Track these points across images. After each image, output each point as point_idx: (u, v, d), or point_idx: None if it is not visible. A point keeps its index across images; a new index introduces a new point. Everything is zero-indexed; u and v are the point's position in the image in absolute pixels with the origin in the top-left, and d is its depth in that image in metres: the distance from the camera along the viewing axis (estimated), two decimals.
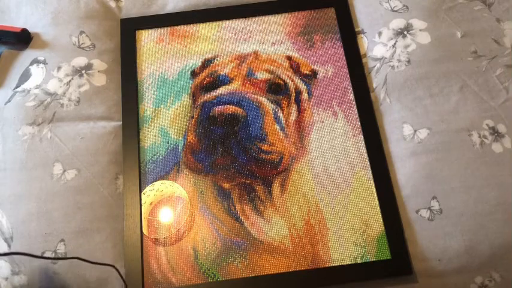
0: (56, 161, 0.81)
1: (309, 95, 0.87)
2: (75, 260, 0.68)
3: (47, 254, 0.75)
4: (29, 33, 0.93)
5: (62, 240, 0.76)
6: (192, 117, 0.86)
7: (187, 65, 0.91)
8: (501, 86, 0.84)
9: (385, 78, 0.87)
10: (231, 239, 0.77)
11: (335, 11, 0.95)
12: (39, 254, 0.75)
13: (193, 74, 0.90)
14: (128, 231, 0.77)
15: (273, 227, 0.77)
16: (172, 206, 0.80)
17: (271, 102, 0.86)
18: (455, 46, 0.88)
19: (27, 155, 0.82)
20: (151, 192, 0.81)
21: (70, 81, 0.88)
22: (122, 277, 0.71)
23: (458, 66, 0.86)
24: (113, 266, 0.71)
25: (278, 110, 0.85)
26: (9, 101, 0.87)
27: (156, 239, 0.78)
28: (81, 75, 0.89)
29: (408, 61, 0.87)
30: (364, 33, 0.93)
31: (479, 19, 0.90)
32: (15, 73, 0.90)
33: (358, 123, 0.84)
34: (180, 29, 0.95)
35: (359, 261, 0.75)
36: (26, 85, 0.88)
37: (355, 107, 0.85)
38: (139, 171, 0.82)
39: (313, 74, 0.89)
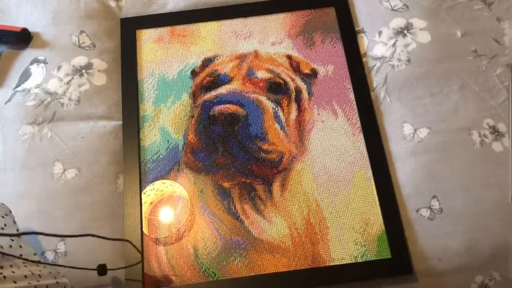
0: (56, 160, 0.82)
1: (309, 94, 0.87)
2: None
3: (48, 253, 0.75)
4: (29, 32, 0.93)
5: (63, 239, 0.76)
6: (192, 116, 0.86)
7: (188, 65, 0.91)
8: (501, 85, 0.84)
9: (385, 77, 0.87)
10: (231, 238, 0.77)
11: (335, 10, 0.95)
12: (39, 254, 0.75)
13: (194, 74, 0.90)
14: (129, 230, 0.77)
15: (273, 226, 0.77)
16: (173, 205, 0.80)
17: (272, 102, 0.86)
18: (456, 45, 0.88)
19: (27, 154, 0.82)
20: (152, 191, 0.81)
21: (70, 80, 0.88)
22: (138, 249, 0.70)
23: (459, 65, 0.86)
24: (128, 241, 0.70)
25: (278, 109, 0.85)
26: (9, 100, 0.87)
27: (157, 239, 0.78)
28: (81, 75, 0.89)
29: (408, 60, 0.87)
30: (364, 32, 0.93)
31: (479, 18, 0.90)
32: (16, 73, 0.90)
33: (359, 122, 0.84)
34: (180, 28, 0.95)
35: (359, 260, 0.75)
36: (26, 84, 0.88)
37: (355, 106, 0.85)
38: (140, 171, 0.82)
39: (314, 73, 0.89)
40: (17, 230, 0.68)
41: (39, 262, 0.64)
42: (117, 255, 0.76)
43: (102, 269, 0.67)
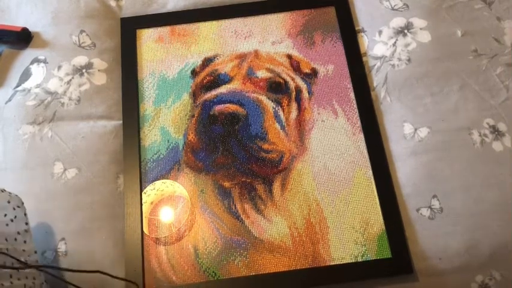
0: (56, 160, 0.82)
1: (309, 93, 0.87)
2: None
3: (48, 253, 0.75)
4: (29, 32, 0.93)
5: (63, 239, 0.76)
6: (193, 116, 0.86)
7: (188, 64, 0.91)
8: (501, 84, 0.84)
9: (386, 77, 0.87)
10: (231, 237, 0.77)
11: (335, 10, 0.94)
12: (39, 253, 0.75)
13: (194, 73, 0.90)
14: (129, 230, 0.77)
15: (274, 225, 0.77)
16: (173, 205, 0.80)
17: (272, 101, 0.86)
18: (456, 45, 0.88)
19: (27, 154, 0.82)
20: (152, 191, 0.81)
21: (70, 80, 0.88)
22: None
23: (459, 65, 0.86)
24: (135, 284, 0.71)
25: (278, 109, 0.85)
26: (9, 100, 0.87)
27: (157, 238, 0.78)
28: (81, 74, 0.89)
29: (408, 60, 0.87)
30: (364, 31, 0.93)
31: (479, 18, 0.90)
32: (16, 72, 0.90)
33: (359, 122, 0.84)
34: (180, 27, 0.95)
35: (359, 259, 0.75)
36: (26, 84, 0.88)
37: (355, 106, 0.85)
38: (140, 170, 0.82)
39: (314, 73, 0.89)
40: (26, 224, 0.68)
41: (37, 267, 0.64)
42: (118, 257, 0.76)
43: None
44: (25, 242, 0.65)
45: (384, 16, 0.92)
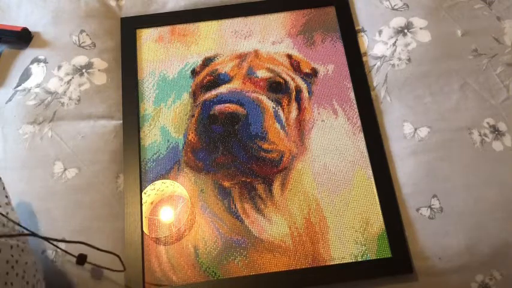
0: (56, 159, 0.82)
1: (309, 93, 0.87)
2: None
3: (48, 253, 0.75)
4: (30, 32, 0.93)
5: (63, 238, 0.76)
6: (193, 115, 0.86)
7: (188, 64, 0.91)
8: (501, 84, 0.84)
9: (386, 76, 0.87)
10: (231, 237, 0.77)
11: (335, 10, 0.95)
12: (39, 252, 0.75)
13: (194, 73, 0.90)
14: (129, 230, 0.78)
15: (274, 225, 0.78)
16: (173, 205, 0.81)
17: (272, 101, 0.86)
18: (456, 44, 0.88)
19: (27, 153, 0.82)
20: (152, 191, 0.81)
21: (70, 80, 0.88)
22: (123, 264, 0.72)
23: (459, 64, 0.86)
24: (117, 255, 0.72)
25: (278, 109, 0.85)
26: (10, 100, 0.87)
27: (157, 238, 0.78)
28: (81, 74, 0.89)
29: (408, 59, 0.87)
30: (364, 31, 0.93)
31: (479, 17, 0.90)
32: (16, 72, 0.90)
33: (359, 121, 0.84)
34: (180, 27, 0.95)
35: (359, 259, 0.75)
36: (26, 84, 0.88)
37: (355, 106, 0.85)
38: (140, 170, 0.82)
39: (314, 73, 0.89)
40: (6, 197, 0.68)
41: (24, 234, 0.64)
42: (117, 253, 0.76)
43: (81, 259, 0.69)
44: (7, 213, 0.65)
45: (384, 16, 0.92)
